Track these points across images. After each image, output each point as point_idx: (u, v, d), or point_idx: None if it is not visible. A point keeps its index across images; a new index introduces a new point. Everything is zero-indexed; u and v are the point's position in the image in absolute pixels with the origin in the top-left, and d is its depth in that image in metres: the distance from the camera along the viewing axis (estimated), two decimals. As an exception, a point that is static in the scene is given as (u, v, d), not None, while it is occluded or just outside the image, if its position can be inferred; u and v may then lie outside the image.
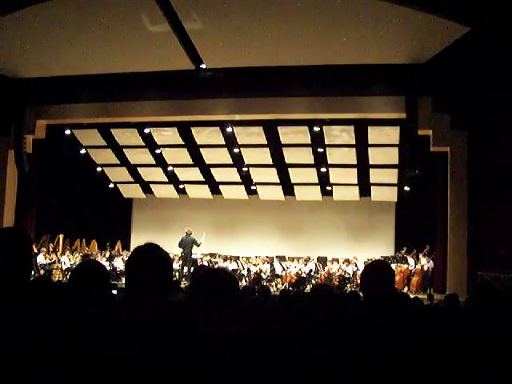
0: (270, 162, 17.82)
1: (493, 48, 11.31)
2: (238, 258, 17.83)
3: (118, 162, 18.86)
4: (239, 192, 19.79)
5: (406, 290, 15.07)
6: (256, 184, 19.32)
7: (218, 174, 19.07)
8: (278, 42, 12.14)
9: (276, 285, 16.41)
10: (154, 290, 2.11)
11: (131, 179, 19.76)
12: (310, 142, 16.63)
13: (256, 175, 18.82)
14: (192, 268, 15.27)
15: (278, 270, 16.65)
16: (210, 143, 17.40)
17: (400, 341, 2.52)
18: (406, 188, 16.85)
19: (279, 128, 16.22)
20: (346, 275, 15.85)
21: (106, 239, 18.55)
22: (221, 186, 19.74)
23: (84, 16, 11.36)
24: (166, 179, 19.60)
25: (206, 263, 16.57)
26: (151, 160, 18.52)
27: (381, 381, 2.40)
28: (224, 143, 17.23)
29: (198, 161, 18.33)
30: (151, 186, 20.34)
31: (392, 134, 15.66)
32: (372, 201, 18.92)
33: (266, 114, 15.30)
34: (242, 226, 20.11)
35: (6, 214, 15.53)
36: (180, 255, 16.17)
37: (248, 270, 16.61)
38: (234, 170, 18.61)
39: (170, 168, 18.95)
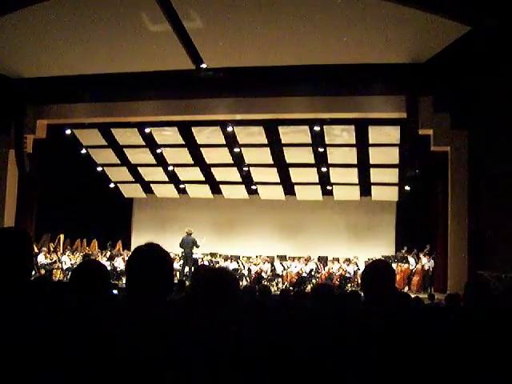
0: (271, 161, 17.82)
1: (493, 47, 11.30)
2: (238, 257, 17.82)
3: (119, 162, 18.86)
4: (240, 192, 19.79)
5: (406, 289, 15.08)
6: (256, 184, 19.32)
7: (218, 174, 19.07)
8: (278, 41, 12.14)
9: (277, 284, 16.41)
10: (154, 289, 2.11)
11: (132, 179, 19.76)
12: (310, 142, 16.63)
13: (256, 175, 18.82)
14: (193, 268, 15.28)
15: (279, 270, 16.65)
16: (211, 143, 17.39)
17: (400, 340, 2.52)
18: (407, 187, 16.85)
19: (280, 127, 16.21)
20: (347, 275, 15.85)
21: (106, 239, 18.56)
22: (221, 186, 19.75)
23: (84, 16, 11.35)
24: (166, 179, 19.60)
25: (206, 263, 16.58)
26: (152, 160, 18.52)
27: (381, 381, 2.40)
28: (224, 143, 17.23)
29: (198, 160, 18.32)
30: (152, 185, 20.34)
31: (392, 134, 15.66)
32: (372, 200, 18.92)
33: (266, 114, 15.29)
34: (242, 226, 20.11)
35: (6, 213, 15.53)
36: (181, 255, 16.18)
37: (249, 269, 16.61)
38: (235, 169, 18.61)
39: (170, 168, 18.95)
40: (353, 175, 17.88)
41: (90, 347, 1.98)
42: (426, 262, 15.44)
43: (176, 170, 19.10)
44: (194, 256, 16.17)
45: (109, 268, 14.89)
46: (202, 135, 17.09)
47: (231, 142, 17.15)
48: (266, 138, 16.70)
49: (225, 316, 2.13)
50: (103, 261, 15.75)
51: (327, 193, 19.16)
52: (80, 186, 17.99)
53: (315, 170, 18.01)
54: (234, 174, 18.86)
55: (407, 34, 11.69)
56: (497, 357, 2.82)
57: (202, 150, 17.79)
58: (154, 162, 18.65)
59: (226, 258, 17.33)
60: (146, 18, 11.41)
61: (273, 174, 18.50)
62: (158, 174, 19.35)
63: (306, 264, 16.40)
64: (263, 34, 11.95)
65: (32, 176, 16.10)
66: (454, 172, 13.94)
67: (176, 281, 14.90)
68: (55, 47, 12.86)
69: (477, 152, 13.40)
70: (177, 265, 15.85)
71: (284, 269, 16.58)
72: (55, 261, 16.39)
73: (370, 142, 16.15)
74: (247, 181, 19.24)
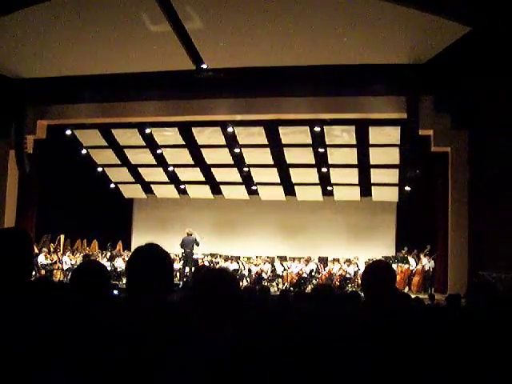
0: (271, 162, 17.82)
1: (493, 48, 11.30)
2: (238, 258, 17.82)
3: (119, 162, 18.87)
4: (240, 192, 19.79)
5: (406, 290, 15.07)
6: (257, 184, 19.32)
7: (218, 174, 19.07)
8: (279, 42, 12.14)
9: (277, 285, 16.40)
10: (154, 290, 2.11)
11: (132, 179, 19.77)
12: (310, 142, 16.63)
13: (257, 175, 18.82)
14: (193, 268, 15.27)
15: (279, 270, 16.65)
16: (211, 143, 17.40)
17: (401, 341, 2.52)
18: (407, 188, 16.84)
19: (280, 128, 16.22)
20: (347, 275, 15.84)
21: (106, 239, 18.57)
22: (222, 186, 19.75)
23: (85, 16, 11.36)
24: (166, 179, 19.61)
25: (207, 263, 16.58)
26: (152, 160, 18.52)
27: (382, 381, 2.40)
28: (225, 143, 17.24)
29: (198, 161, 18.33)
30: (152, 186, 20.34)
31: (393, 134, 15.66)
32: (373, 201, 18.92)
33: (266, 114, 15.31)
34: (242, 226, 20.11)
35: (6, 214, 15.54)
36: (181, 255, 16.18)
37: (249, 270, 16.61)
38: (235, 170, 18.61)
39: (170, 168, 18.96)
40: (353, 176, 17.88)
41: (91, 347, 1.98)
42: (427, 263, 15.43)
43: (176, 170, 19.11)
44: (194, 256, 16.17)
45: (109, 268, 14.89)
46: (202, 136, 17.09)
47: (231, 142, 17.15)
48: (267, 138, 16.70)
49: (225, 316, 2.13)
50: (103, 261, 15.74)
51: (327, 193, 19.17)
52: (80, 187, 17.99)
53: (315, 170, 18.01)
54: (234, 175, 18.86)
55: (408, 35, 11.69)
56: (497, 357, 2.82)
57: (203, 150, 17.80)
58: (155, 162, 18.65)
59: (226, 259, 17.32)
60: (146, 19, 11.42)
61: (273, 175, 18.50)
62: (158, 174, 19.36)
63: (306, 264, 16.39)
64: (264, 34, 11.96)
65: (32, 176, 16.11)
66: (454, 172, 13.95)
67: (176, 281, 14.98)
68: (56, 47, 12.87)
69: (477, 152, 13.41)
70: (177, 265, 15.85)
71: (284, 269, 16.57)
72: (55, 261, 16.40)
73: (371, 142, 16.15)
74: (247, 181, 19.24)
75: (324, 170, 17.86)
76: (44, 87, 14.88)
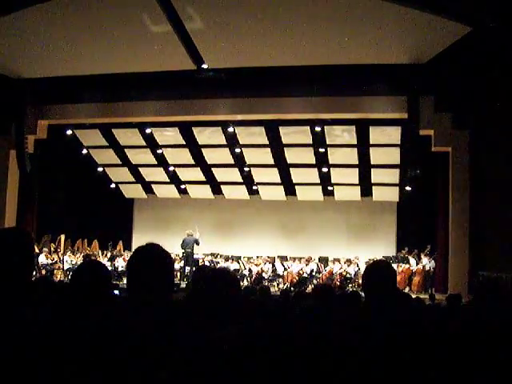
0: (272, 162, 17.83)
1: (494, 48, 11.30)
2: (239, 258, 17.84)
3: (120, 162, 18.88)
4: (241, 192, 19.80)
5: (407, 289, 15.06)
6: (257, 184, 19.33)
7: (219, 174, 19.08)
8: (279, 42, 12.14)
9: (277, 285, 16.40)
10: (155, 290, 2.11)
11: (133, 179, 19.78)
12: (311, 142, 16.63)
13: (257, 175, 18.83)
14: (194, 268, 15.29)
15: (280, 270, 16.65)
16: (212, 143, 17.41)
17: (401, 341, 2.52)
18: (408, 188, 16.83)
19: (281, 128, 16.23)
20: (348, 275, 15.84)
21: (107, 239, 18.57)
22: (222, 186, 19.76)
23: (85, 16, 11.36)
24: (167, 179, 19.61)
25: (207, 263, 16.59)
26: (152, 160, 18.54)
27: (382, 381, 2.40)
28: (225, 143, 17.25)
29: (199, 161, 18.34)
30: (153, 186, 20.35)
31: (393, 134, 15.66)
32: (373, 201, 18.92)
33: (267, 114, 15.31)
34: (243, 226, 20.11)
35: (7, 213, 15.55)
36: (182, 255, 16.19)
37: (249, 270, 16.61)
38: (236, 170, 18.62)
39: (171, 168, 18.97)
40: (354, 176, 17.89)
41: (91, 348, 1.99)
42: (427, 263, 15.42)
43: (177, 170, 19.12)
44: (195, 256, 16.19)
45: (110, 268, 14.89)
46: (202, 135, 17.10)
47: (232, 142, 17.16)
48: (267, 138, 16.71)
49: (225, 316, 2.13)
50: (104, 261, 15.76)
51: (328, 193, 19.17)
52: (81, 187, 18.01)
53: (316, 170, 18.01)
54: (234, 175, 18.87)
55: (408, 35, 11.69)
56: (498, 357, 2.82)
57: (203, 150, 17.81)
58: (155, 162, 18.67)
59: (226, 259, 17.34)
60: (147, 19, 11.42)
61: (274, 175, 18.50)
62: (158, 174, 19.36)
63: (306, 264, 16.40)
64: (264, 34, 11.95)
65: (33, 176, 16.11)
66: (454, 172, 13.94)
67: (177, 281, 14.99)
68: (56, 47, 12.87)
69: (478, 152, 13.41)
70: (178, 265, 15.85)
71: (285, 269, 16.57)
72: (56, 261, 16.40)
73: (371, 142, 16.16)
74: (248, 181, 19.25)
75: (324, 169, 17.87)
76: (45, 87, 14.89)
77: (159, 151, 18.07)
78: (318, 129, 15.81)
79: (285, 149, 17.12)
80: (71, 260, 16.44)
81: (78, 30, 11.95)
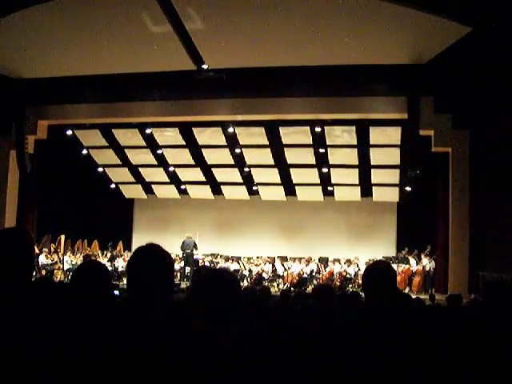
0: (272, 162, 17.83)
1: (494, 48, 11.30)
2: (239, 258, 17.83)
3: (120, 163, 18.87)
4: (241, 192, 19.79)
5: (407, 290, 15.05)
6: (257, 184, 19.32)
7: (219, 175, 19.07)
8: (279, 42, 12.14)
9: (278, 285, 16.40)
10: (155, 290, 2.11)
11: (133, 179, 19.77)
12: (311, 143, 16.63)
13: (257, 176, 18.82)
14: (194, 268, 15.29)
15: (280, 271, 16.65)
16: (212, 143, 17.40)
17: (401, 341, 2.52)
18: (408, 188, 16.82)
19: (281, 128, 16.22)
20: (348, 275, 15.84)
21: (107, 240, 18.57)
22: (222, 187, 19.75)
23: (85, 16, 11.37)
24: (167, 179, 19.61)
25: (207, 264, 16.58)
26: (152, 160, 18.53)
27: (382, 381, 2.40)
28: (225, 143, 17.24)
29: (199, 161, 18.33)
30: (153, 186, 20.34)
31: (393, 135, 15.66)
32: (373, 201, 18.92)
33: (267, 115, 15.31)
34: (243, 227, 20.11)
35: (7, 214, 15.55)
36: (182, 256, 16.19)
37: (249, 270, 16.61)
38: (236, 170, 18.62)
39: (171, 168, 18.96)
40: (354, 176, 17.88)
41: (91, 348, 1.99)
42: (427, 263, 15.42)
43: (177, 170, 19.11)
44: (194, 257, 16.20)
45: (110, 269, 14.89)
46: (202, 136, 17.10)
47: (232, 142, 17.15)
48: (267, 138, 16.71)
49: (225, 317, 2.13)
50: (104, 261, 15.75)
51: (328, 193, 19.17)
52: (81, 187, 18.00)
53: (316, 170, 18.01)
54: (234, 175, 18.86)
55: (408, 35, 11.70)
56: (498, 357, 2.82)
57: (203, 150, 17.81)
58: (155, 162, 18.66)
59: (226, 259, 17.34)
60: (147, 19, 11.42)
61: (274, 175, 18.50)
62: (158, 174, 19.36)
63: (306, 265, 16.40)
64: (264, 34, 11.96)
65: (33, 176, 16.10)
66: (454, 172, 13.94)
67: (177, 281, 14.99)
68: (56, 48, 12.87)
69: (478, 152, 13.41)
70: (178, 266, 15.85)
71: (285, 269, 16.57)
72: (56, 261, 16.41)
73: (371, 142, 16.16)
74: (248, 181, 19.24)
75: (324, 170, 17.86)
76: (45, 87, 14.88)
77: (159, 151, 18.07)
78: (318, 129, 15.81)
79: (285, 149, 17.11)
80: (71, 260, 16.45)
81: (77, 30, 11.96)
